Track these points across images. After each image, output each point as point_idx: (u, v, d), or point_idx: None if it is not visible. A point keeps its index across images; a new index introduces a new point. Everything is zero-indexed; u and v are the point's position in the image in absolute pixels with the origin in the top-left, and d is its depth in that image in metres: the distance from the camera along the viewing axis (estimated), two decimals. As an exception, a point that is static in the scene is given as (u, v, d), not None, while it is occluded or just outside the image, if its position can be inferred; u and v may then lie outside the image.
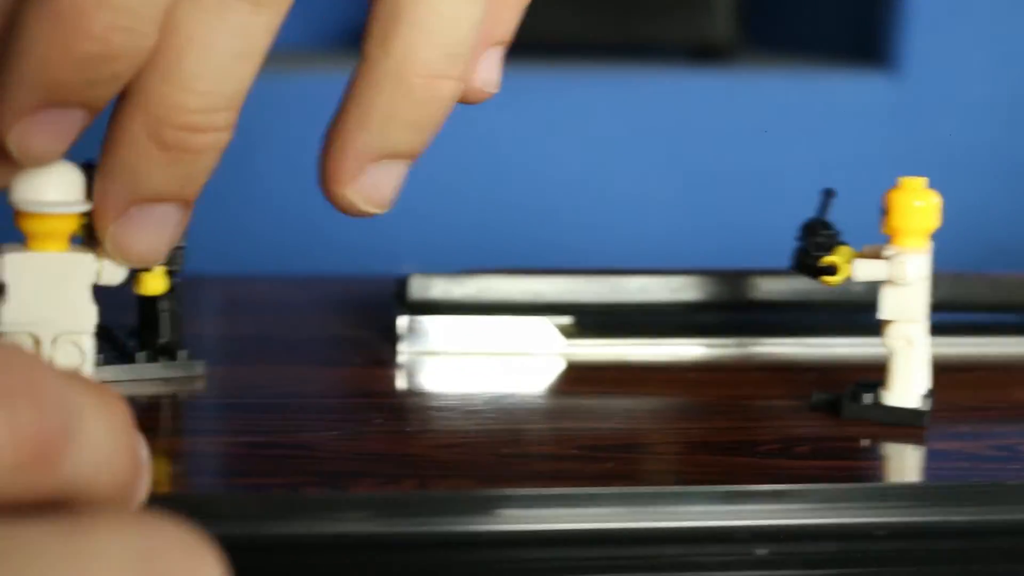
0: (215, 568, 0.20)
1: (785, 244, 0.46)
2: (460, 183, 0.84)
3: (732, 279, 0.56)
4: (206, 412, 0.45)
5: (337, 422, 0.45)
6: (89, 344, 0.39)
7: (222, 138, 0.32)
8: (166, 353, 0.49)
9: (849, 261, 0.45)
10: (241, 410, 0.46)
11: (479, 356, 0.53)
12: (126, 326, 0.51)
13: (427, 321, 0.54)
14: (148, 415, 0.45)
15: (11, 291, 0.38)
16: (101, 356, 0.47)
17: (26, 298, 0.38)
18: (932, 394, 0.46)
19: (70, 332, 0.39)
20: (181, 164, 0.32)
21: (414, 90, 0.33)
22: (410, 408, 0.49)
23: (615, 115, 0.91)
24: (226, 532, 0.37)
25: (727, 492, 0.39)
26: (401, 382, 0.52)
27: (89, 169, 0.37)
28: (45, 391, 0.20)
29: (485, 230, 0.85)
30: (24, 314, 0.38)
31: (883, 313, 0.45)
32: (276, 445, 0.42)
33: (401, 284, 0.56)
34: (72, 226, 0.38)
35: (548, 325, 0.54)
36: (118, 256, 0.36)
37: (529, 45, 0.88)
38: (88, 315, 0.39)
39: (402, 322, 0.54)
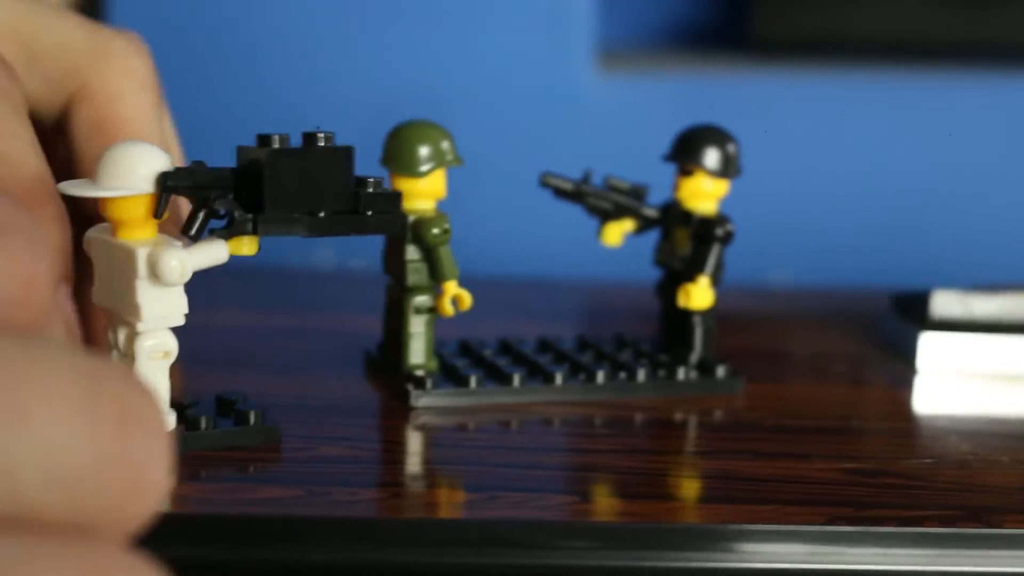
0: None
1: None
2: (831, 192, 0.80)
3: None
4: (775, 433, 0.43)
5: (913, 448, 0.42)
6: (144, 343, 0.37)
7: None
8: (702, 369, 0.47)
9: None
10: (809, 432, 0.43)
11: (1004, 378, 0.50)
12: (650, 338, 0.49)
13: (950, 339, 0.50)
14: (717, 435, 0.43)
15: (96, 271, 0.38)
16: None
17: (101, 281, 0.38)
18: None
19: (127, 325, 0.37)
20: None
21: None
22: (981, 434, 0.45)
23: (991, 121, 0.85)
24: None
25: None
26: (937, 405, 0.48)
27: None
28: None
29: (849, 240, 0.80)
30: (100, 297, 0.38)
31: None
32: (884, 472, 0.39)
33: (909, 300, 0.53)
34: (134, 213, 0.36)
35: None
36: None
37: (909, 48, 0.84)
38: (135, 309, 0.36)
39: (925, 339, 0.51)
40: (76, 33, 0.41)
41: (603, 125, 0.73)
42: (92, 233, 0.38)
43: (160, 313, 0.37)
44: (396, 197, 0.39)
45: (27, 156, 0.35)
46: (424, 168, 0.43)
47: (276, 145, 0.37)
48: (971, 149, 0.76)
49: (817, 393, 0.48)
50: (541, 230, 0.71)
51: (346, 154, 0.38)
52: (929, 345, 0.50)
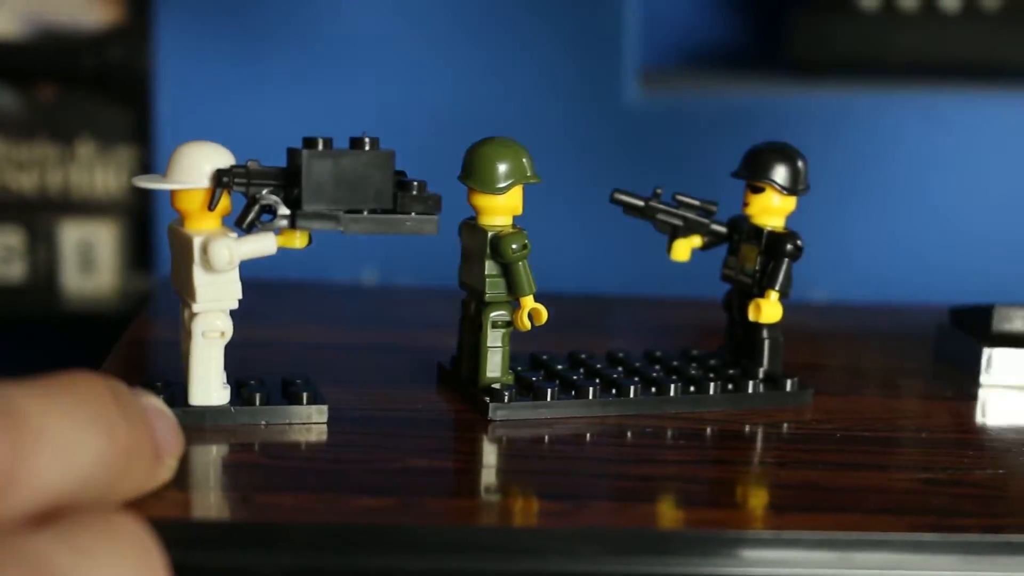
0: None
1: None
2: (872, 208, 0.81)
3: None
4: (847, 444, 0.44)
5: (983, 459, 0.43)
6: (198, 323, 0.41)
7: None
8: (770, 382, 0.48)
9: None
10: (880, 444, 0.44)
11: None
12: (717, 352, 0.50)
13: (1012, 354, 0.51)
14: (791, 446, 0.44)
15: (172, 258, 0.42)
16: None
17: (174, 267, 0.42)
18: None
19: (188, 306, 0.41)
20: None
21: None
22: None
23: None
24: None
25: None
26: (1001, 417, 0.49)
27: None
28: None
29: (893, 256, 0.81)
30: (174, 281, 0.42)
31: None
32: (960, 483, 0.40)
33: (969, 314, 0.54)
34: (195, 205, 0.40)
35: None
36: None
37: (945, 67, 0.85)
38: (192, 291, 0.40)
39: (988, 354, 0.51)
40: None
41: (645, 142, 0.74)
42: (172, 224, 0.42)
43: (214, 296, 0.41)
44: (436, 201, 0.41)
45: None
46: (503, 184, 0.44)
47: (319, 147, 0.40)
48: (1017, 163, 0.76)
49: (883, 406, 0.49)
50: (584, 247, 0.72)
51: (386, 158, 0.40)
52: (991, 359, 0.51)
